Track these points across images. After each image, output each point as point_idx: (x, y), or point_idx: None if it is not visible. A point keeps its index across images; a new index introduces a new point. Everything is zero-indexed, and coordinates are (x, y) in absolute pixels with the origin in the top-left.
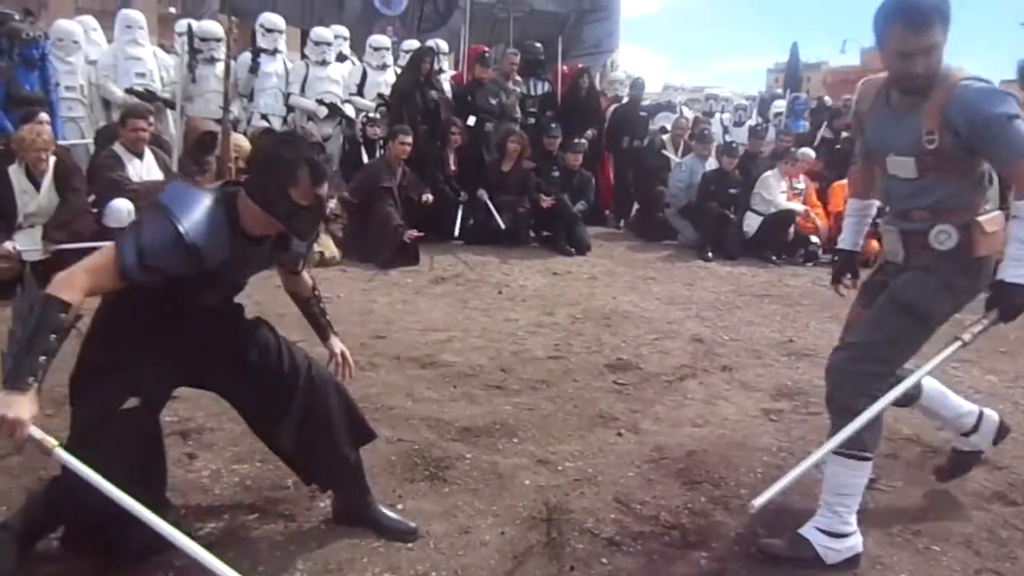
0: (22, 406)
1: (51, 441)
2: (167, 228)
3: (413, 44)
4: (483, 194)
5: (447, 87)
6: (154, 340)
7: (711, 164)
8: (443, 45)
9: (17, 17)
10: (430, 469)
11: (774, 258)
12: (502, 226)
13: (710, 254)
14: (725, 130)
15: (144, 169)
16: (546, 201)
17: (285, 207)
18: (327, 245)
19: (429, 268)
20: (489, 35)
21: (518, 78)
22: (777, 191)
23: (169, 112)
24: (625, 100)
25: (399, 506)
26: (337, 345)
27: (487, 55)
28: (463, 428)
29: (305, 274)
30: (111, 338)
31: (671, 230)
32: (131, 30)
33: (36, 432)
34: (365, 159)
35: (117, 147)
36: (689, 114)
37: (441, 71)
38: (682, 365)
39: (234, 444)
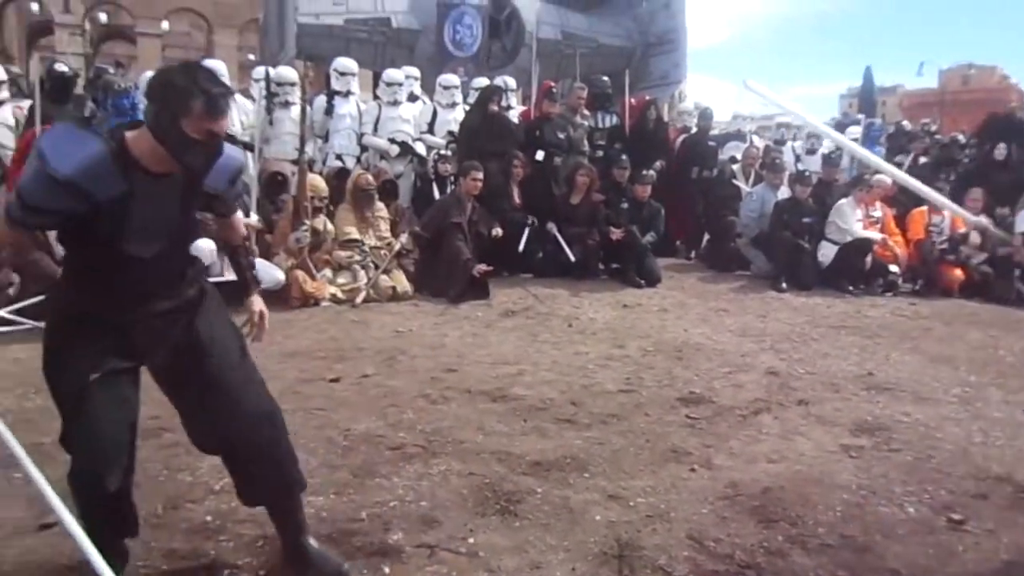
0: None
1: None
2: (37, 166)
3: (482, 82)
4: (552, 227)
5: (515, 122)
6: (101, 319)
7: (783, 193)
8: (511, 82)
9: (111, 71)
10: (501, 503)
11: (851, 288)
12: (572, 258)
13: (784, 285)
14: (797, 158)
15: None
16: (615, 233)
17: (175, 138)
18: (399, 280)
19: (499, 302)
20: (556, 70)
21: (586, 112)
22: (853, 219)
23: (248, 154)
24: (694, 130)
25: (470, 540)
26: (256, 304)
27: (554, 90)
28: (534, 462)
29: (240, 223)
30: (63, 323)
31: (743, 260)
32: None
33: None
34: (437, 195)
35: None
36: (760, 143)
37: (509, 107)
38: (756, 399)
39: (311, 476)
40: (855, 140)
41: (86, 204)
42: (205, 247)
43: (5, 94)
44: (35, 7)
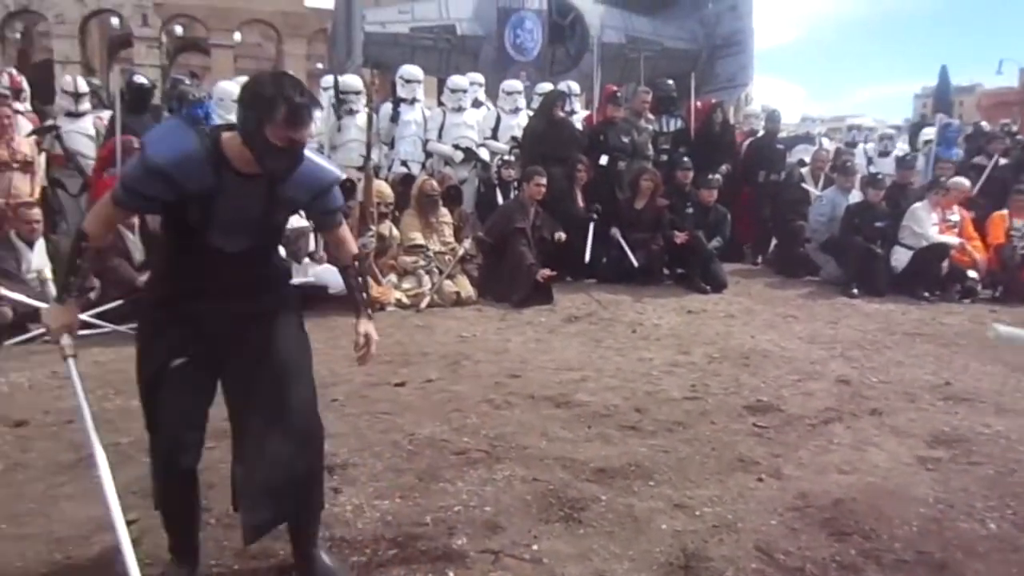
0: (61, 314)
1: (69, 352)
2: (140, 155)
3: (546, 87)
4: (616, 232)
5: (579, 127)
6: (182, 308)
7: (854, 197)
8: (575, 87)
9: (187, 82)
10: (565, 510)
11: (926, 294)
12: (635, 264)
13: (855, 290)
14: (869, 161)
15: (293, 217)
16: (680, 236)
17: (259, 143)
18: (463, 285)
19: (562, 307)
20: (620, 74)
21: (650, 116)
22: (928, 223)
23: None
24: (761, 133)
25: (534, 546)
26: (363, 326)
27: (618, 94)
28: (598, 469)
29: (349, 241)
30: (150, 313)
31: (812, 266)
32: None
33: (66, 339)
34: (500, 200)
35: None
36: (830, 145)
37: (573, 112)
38: (827, 408)
39: (376, 480)
40: (929, 142)
41: (174, 193)
42: (333, 279)
43: (87, 105)
44: (115, 21)
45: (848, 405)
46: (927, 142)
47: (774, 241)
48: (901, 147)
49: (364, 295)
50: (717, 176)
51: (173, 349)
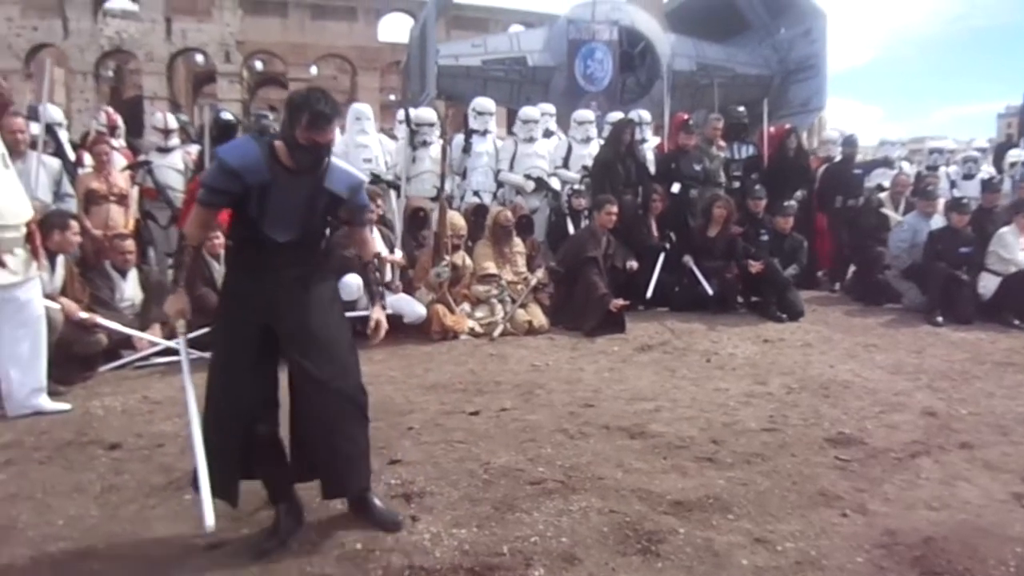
0: (175, 302)
1: (181, 331)
2: (216, 162)
3: (617, 116)
4: (689, 260)
5: (650, 156)
6: (249, 289)
7: (936, 222)
8: (645, 115)
9: (269, 116)
10: (642, 542)
11: (1016, 322)
12: (710, 291)
13: (940, 319)
14: (952, 184)
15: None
16: (755, 266)
17: (290, 141)
18: (535, 314)
19: (635, 336)
20: (691, 102)
21: (722, 143)
22: (1017, 248)
23: (392, 193)
24: (837, 158)
25: None
26: (376, 313)
27: (690, 122)
28: (675, 501)
29: (372, 241)
30: (224, 298)
31: (893, 293)
32: (359, 121)
33: (180, 323)
34: (571, 230)
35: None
36: (910, 169)
37: (644, 140)
38: (913, 441)
39: (453, 508)
40: (1015, 164)
41: (241, 187)
42: (353, 282)
43: (175, 141)
44: (200, 58)
45: (936, 438)
46: (1013, 164)
47: (852, 268)
48: (986, 169)
49: (380, 288)
50: (792, 203)
51: (244, 335)
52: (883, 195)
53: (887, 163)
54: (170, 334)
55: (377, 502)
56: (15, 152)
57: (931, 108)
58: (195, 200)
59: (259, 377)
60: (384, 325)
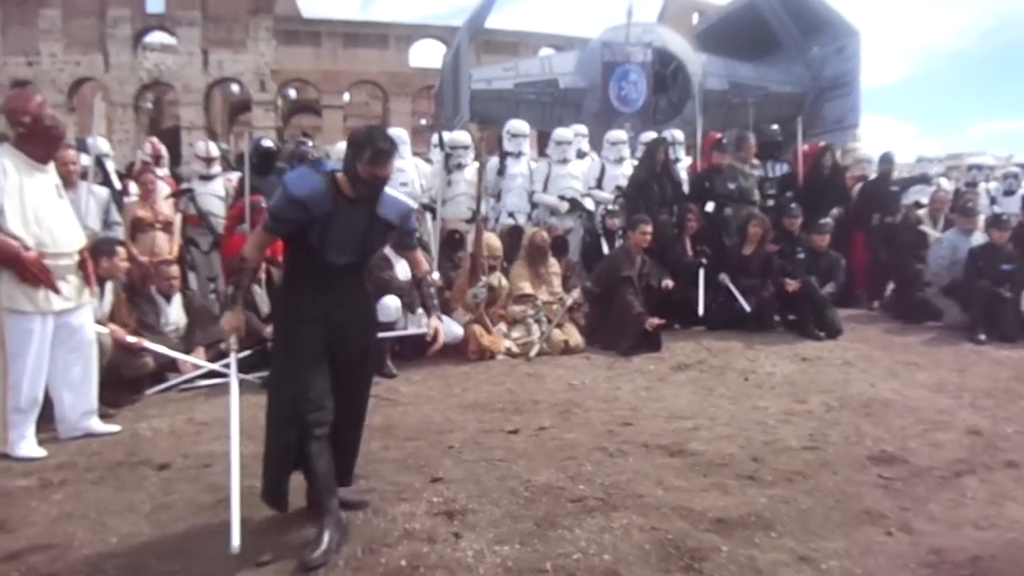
0: (231, 319)
1: (233, 347)
2: (281, 191)
3: (650, 136)
4: (724, 278)
5: (683, 175)
6: (310, 306)
7: (976, 239)
8: (678, 135)
9: (309, 143)
10: (685, 560)
11: None
12: (747, 309)
13: (982, 336)
14: (992, 200)
15: (401, 270)
16: (791, 285)
17: (352, 175)
18: (571, 333)
19: (671, 355)
20: (724, 121)
21: (755, 161)
22: None
23: (428, 215)
24: (873, 175)
25: None
26: (434, 323)
27: (723, 141)
28: (717, 519)
29: (423, 260)
30: (286, 317)
31: (932, 310)
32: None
33: (233, 339)
34: (605, 250)
35: (387, 251)
36: (948, 185)
37: (677, 160)
38: (958, 460)
39: (495, 525)
40: None
41: (307, 216)
42: (391, 304)
43: (217, 169)
44: (236, 88)
45: (981, 457)
46: None
47: (891, 285)
48: None
49: (434, 302)
50: (829, 220)
51: (310, 339)
52: (921, 212)
53: (925, 180)
54: (214, 357)
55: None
56: (67, 183)
57: (967, 124)
58: (236, 243)
59: (325, 381)
60: (443, 333)
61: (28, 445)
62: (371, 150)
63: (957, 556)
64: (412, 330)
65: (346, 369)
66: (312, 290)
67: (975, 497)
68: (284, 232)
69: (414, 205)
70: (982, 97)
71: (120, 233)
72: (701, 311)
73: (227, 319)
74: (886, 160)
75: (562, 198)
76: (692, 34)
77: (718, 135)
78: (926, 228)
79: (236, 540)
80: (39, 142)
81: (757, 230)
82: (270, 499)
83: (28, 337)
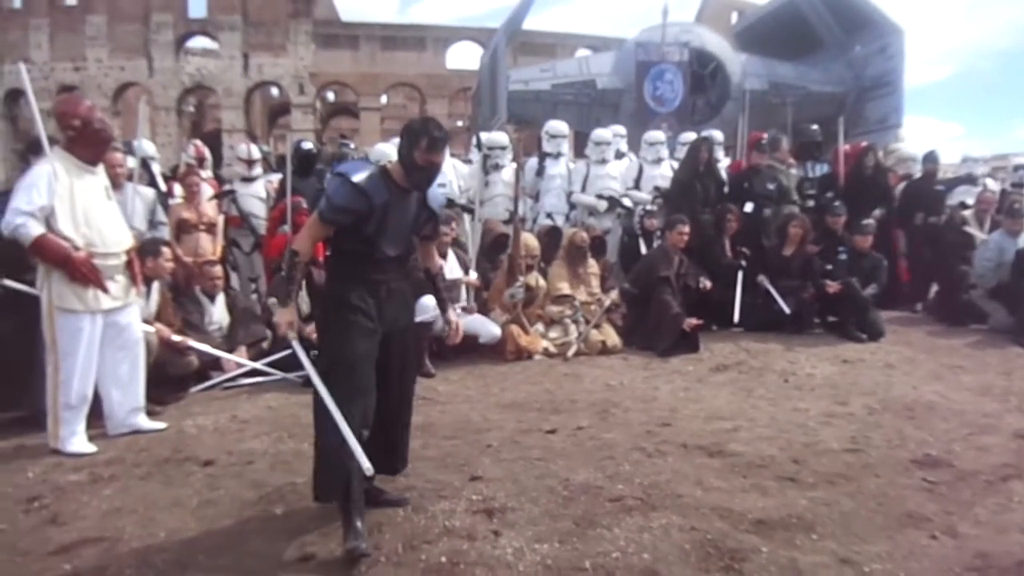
0: (285, 315)
1: (292, 337)
2: (342, 179)
3: (690, 136)
4: (764, 279)
5: (723, 176)
6: (359, 303)
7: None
8: (718, 135)
9: (351, 146)
10: (725, 560)
11: None
12: (786, 310)
13: None
14: None
15: (448, 268)
16: (832, 286)
17: (408, 162)
18: (609, 334)
19: (709, 356)
20: (764, 120)
21: (791, 161)
22: None
23: (467, 216)
24: (917, 175)
25: None
26: (453, 316)
27: (763, 141)
28: (757, 520)
29: (436, 255)
30: (336, 307)
31: (978, 313)
32: None
33: (291, 333)
34: (643, 250)
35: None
36: (995, 186)
37: (717, 160)
38: (1004, 464)
39: (534, 524)
40: None
41: (367, 205)
42: (429, 303)
43: (258, 171)
44: (275, 91)
45: None
46: None
47: (935, 287)
48: None
49: (448, 295)
50: (871, 221)
51: (360, 330)
52: (967, 213)
53: (971, 180)
54: (256, 356)
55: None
56: (115, 184)
57: (1014, 124)
58: (278, 243)
59: (373, 379)
60: (460, 327)
61: (79, 441)
62: (428, 138)
63: (1003, 560)
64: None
65: (398, 362)
66: (363, 284)
67: (1022, 502)
68: (344, 222)
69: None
70: None
71: (165, 233)
72: (737, 318)
73: (281, 315)
74: (931, 159)
75: (600, 197)
76: (731, 33)
77: (758, 135)
78: (972, 229)
79: (367, 463)
80: (88, 145)
81: (797, 231)
82: (329, 492)
83: (78, 335)
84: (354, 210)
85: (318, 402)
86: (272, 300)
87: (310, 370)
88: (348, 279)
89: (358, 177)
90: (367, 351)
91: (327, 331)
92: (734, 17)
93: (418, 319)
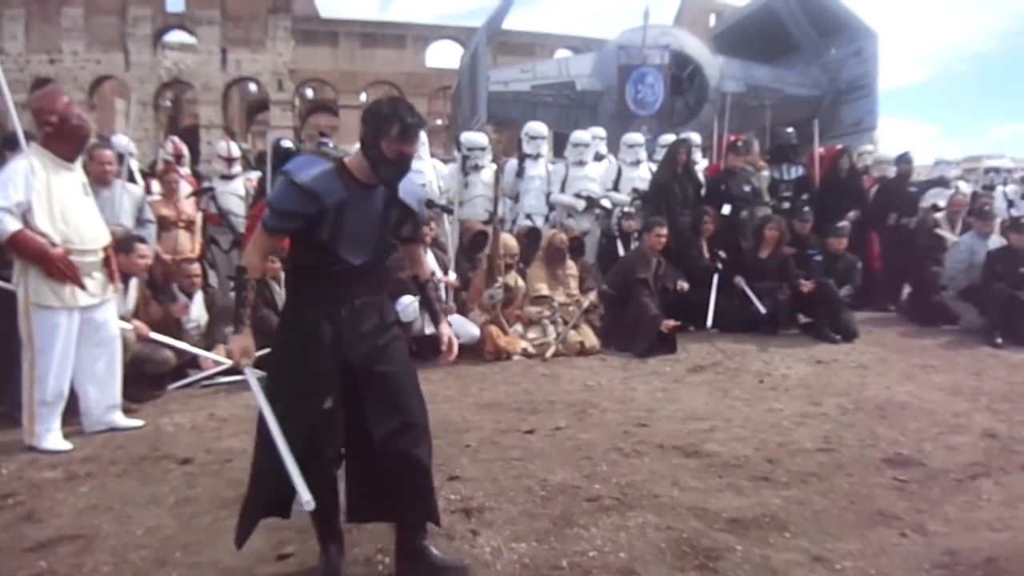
0: (240, 340)
1: (246, 364)
2: (285, 179)
3: (669, 139)
4: (740, 281)
5: (701, 178)
6: (315, 326)
7: (993, 242)
8: (696, 138)
9: (330, 144)
10: (700, 559)
11: None
12: (762, 310)
13: (999, 340)
14: (1010, 204)
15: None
16: (806, 285)
17: (374, 153)
18: (587, 335)
19: (686, 356)
20: (741, 123)
21: (762, 163)
22: None
23: (446, 217)
24: (891, 175)
25: None
26: (446, 331)
27: (738, 143)
28: (731, 519)
29: (425, 259)
30: (289, 329)
31: (949, 314)
32: None
33: (246, 360)
34: (621, 252)
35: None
36: (967, 188)
37: (695, 163)
38: (973, 463)
39: (512, 524)
40: None
41: (316, 207)
42: (411, 304)
43: (238, 168)
44: (253, 87)
45: (997, 460)
46: None
47: (907, 288)
48: None
49: (441, 305)
50: (846, 223)
51: (313, 361)
52: (939, 215)
53: (943, 183)
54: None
55: (435, 551)
56: (103, 182)
57: (988, 126)
58: (259, 227)
59: (327, 422)
60: (455, 341)
61: (54, 438)
62: (399, 125)
63: (972, 558)
64: (429, 330)
65: (373, 405)
66: (322, 301)
67: (990, 499)
68: (289, 230)
69: (424, 191)
70: (1003, 99)
71: (153, 231)
72: (710, 322)
73: (235, 341)
74: (904, 160)
75: (578, 196)
76: (709, 36)
77: (733, 137)
78: (943, 231)
79: (306, 495)
80: (66, 141)
81: (774, 233)
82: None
83: (54, 332)
84: (301, 213)
85: (262, 426)
86: (228, 328)
87: (261, 402)
88: (300, 298)
89: (303, 176)
90: (313, 386)
91: (271, 353)
92: (712, 20)
93: (401, 318)
